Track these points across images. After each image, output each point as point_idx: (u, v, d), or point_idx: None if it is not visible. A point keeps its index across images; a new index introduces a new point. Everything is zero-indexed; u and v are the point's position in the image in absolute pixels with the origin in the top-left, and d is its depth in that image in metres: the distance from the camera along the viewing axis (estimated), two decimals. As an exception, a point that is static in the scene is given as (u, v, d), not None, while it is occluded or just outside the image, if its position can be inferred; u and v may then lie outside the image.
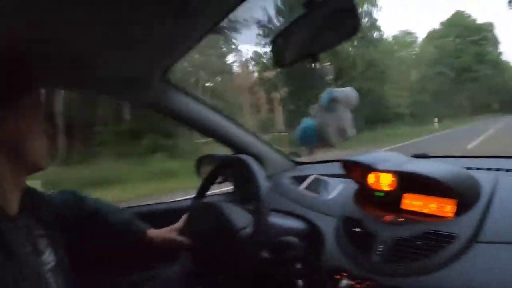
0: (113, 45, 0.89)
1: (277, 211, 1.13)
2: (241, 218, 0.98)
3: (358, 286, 0.92)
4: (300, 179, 1.41)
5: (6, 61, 0.76)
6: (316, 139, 0.99)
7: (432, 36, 33.40)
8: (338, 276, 0.95)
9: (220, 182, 1.35)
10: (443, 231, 0.85)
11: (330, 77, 0.91)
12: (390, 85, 21.45)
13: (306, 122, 1.00)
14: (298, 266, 1.01)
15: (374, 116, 17.45)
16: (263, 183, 0.92)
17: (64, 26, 0.76)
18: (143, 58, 1.05)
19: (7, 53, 0.78)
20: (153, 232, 1.15)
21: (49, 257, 0.83)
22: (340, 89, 0.94)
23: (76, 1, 0.65)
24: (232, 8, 0.80)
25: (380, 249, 0.91)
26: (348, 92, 0.94)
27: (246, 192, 1.36)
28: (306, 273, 1.01)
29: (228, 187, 1.60)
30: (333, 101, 0.94)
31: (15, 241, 0.72)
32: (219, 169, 1.22)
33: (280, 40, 0.90)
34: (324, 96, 0.95)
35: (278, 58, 0.93)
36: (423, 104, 24.44)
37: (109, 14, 0.71)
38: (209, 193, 1.24)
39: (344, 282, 0.93)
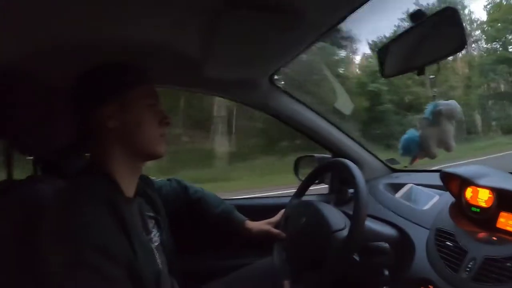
0: (224, 49, 0.98)
1: (371, 216, 1.15)
2: (338, 220, 1.03)
3: None
4: (395, 187, 1.40)
5: (116, 60, 0.85)
6: (418, 150, 1.00)
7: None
8: (423, 287, 0.94)
9: (317, 183, 1.41)
10: None
11: (435, 89, 0.90)
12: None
13: (411, 132, 1.01)
14: (386, 272, 1.02)
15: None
16: (364, 189, 0.95)
17: (177, 30, 0.87)
18: (252, 62, 1.14)
19: (120, 54, 0.90)
20: (250, 224, 1.25)
21: (155, 237, 0.92)
22: (444, 102, 0.94)
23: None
24: (342, 19, 0.85)
25: (470, 266, 0.88)
26: (451, 105, 0.93)
27: (343, 195, 1.42)
28: (392, 280, 1.02)
29: (321, 188, 1.64)
30: (436, 114, 0.94)
31: (131, 219, 0.77)
32: (320, 170, 1.29)
33: (386, 51, 0.93)
34: (429, 108, 0.96)
35: (384, 68, 0.95)
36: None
37: (220, 23, 0.79)
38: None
39: None
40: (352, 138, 1.56)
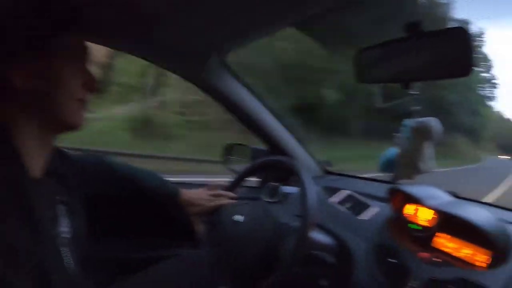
0: (179, 11, 0.84)
1: None
2: (283, 225, 0.95)
3: None
4: (331, 191, 1.35)
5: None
6: (396, 168, 0.94)
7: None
8: None
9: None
10: (476, 282, 0.83)
11: (416, 107, 0.83)
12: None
13: (390, 150, 0.95)
14: (323, 283, 0.99)
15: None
16: (314, 197, 0.88)
17: None
18: (205, 35, 1.00)
19: None
20: (187, 193, 1.08)
21: (65, 227, 0.75)
22: (422, 120, 0.88)
23: None
24: (312, 8, 0.77)
25: (414, 286, 0.89)
26: (429, 123, 0.87)
27: (276, 193, 1.29)
28: None
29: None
30: (413, 132, 0.88)
31: (36, 204, 0.63)
32: (265, 166, 1.17)
33: (367, 56, 0.86)
34: (406, 125, 0.90)
35: (361, 72, 0.88)
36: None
37: None
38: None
39: None
40: (291, 134, 1.49)
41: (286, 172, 0.98)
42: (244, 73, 1.38)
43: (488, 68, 40.34)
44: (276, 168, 1.17)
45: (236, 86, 1.31)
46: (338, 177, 1.59)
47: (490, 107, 43.16)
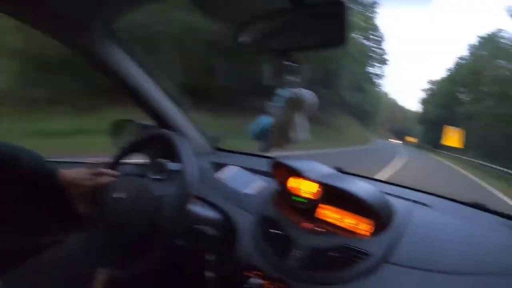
0: None
1: (194, 196, 1.07)
2: (164, 199, 0.91)
3: (269, 286, 0.94)
4: (219, 167, 1.37)
5: None
6: (270, 138, 0.93)
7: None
8: (249, 274, 0.96)
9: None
10: (358, 248, 0.90)
11: (295, 77, 0.84)
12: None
13: (264, 119, 0.95)
14: (209, 257, 0.99)
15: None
16: (193, 168, 0.88)
17: None
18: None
19: None
20: (67, 172, 0.98)
21: None
22: (297, 90, 0.87)
23: None
24: None
25: (297, 254, 0.94)
26: (303, 94, 0.87)
27: (163, 170, 1.26)
28: (217, 266, 1.00)
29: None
30: (287, 102, 0.87)
31: None
32: (146, 142, 1.12)
33: (250, 27, 0.84)
34: (281, 95, 0.89)
35: (241, 40, 0.86)
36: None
37: None
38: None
39: (255, 280, 0.94)
40: (180, 108, 1.45)
41: (170, 147, 0.96)
42: (135, 45, 1.29)
43: (379, 43, 38.23)
44: (160, 143, 1.13)
45: (124, 57, 1.22)
46: (227, 153, 1.61)
47: (377, 85, 43.05)
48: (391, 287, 0.84)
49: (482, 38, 36.31)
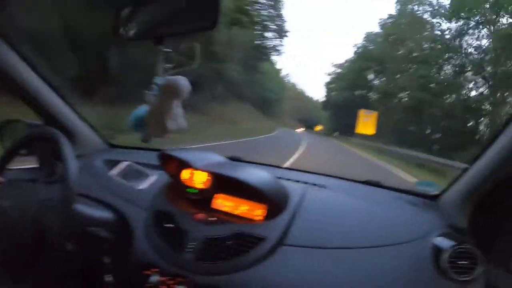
0: None
1: (84, 196, 1.03)
2: (47, 204, 0.85)
3: (169, 282, 0.92)
4: (113, 164, 1.31)
5: None
6: (146, 127, 0.87)
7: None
8: (148, 272, 0.93)
9: (24, 155, 1.12)
10: (253, 233, 0.92)
11: (169, 65, 0.81)
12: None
13: (140, 109, 0.90)
14: (106, 260, 0.95)
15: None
16: (73, 166, 0.83)
17: None
18: None
19: None
20: None
21: None
22: (171, 77, 0.84)
23: None
24: None
25: (192, 246, 0.93)
26: (177, 81, 0.83)
27: (54, 171, 1.16)
28: (114, 267, 0.96)
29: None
30: (161, 89, 0.84)
31: None
32: (26, 141, 1.02)
33: (126, 12, 0.82)
34: (156, 83, 0.85)
35: (118, 30, 0.84)
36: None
37: None
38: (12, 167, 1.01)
39: (154, 278, 0.92)
40: (70, 106, 1.34)
41: (54, 146, 0.88)
42: (20, 40, 1.15)
43: (274, 20, 30.31)
44: (43, 143, 1.05)
45: (9, 53, 1.09)
46: (122, 150, 1.55)
47: (272, 63, 38.49)
48: (288, 268, 0.87)
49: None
